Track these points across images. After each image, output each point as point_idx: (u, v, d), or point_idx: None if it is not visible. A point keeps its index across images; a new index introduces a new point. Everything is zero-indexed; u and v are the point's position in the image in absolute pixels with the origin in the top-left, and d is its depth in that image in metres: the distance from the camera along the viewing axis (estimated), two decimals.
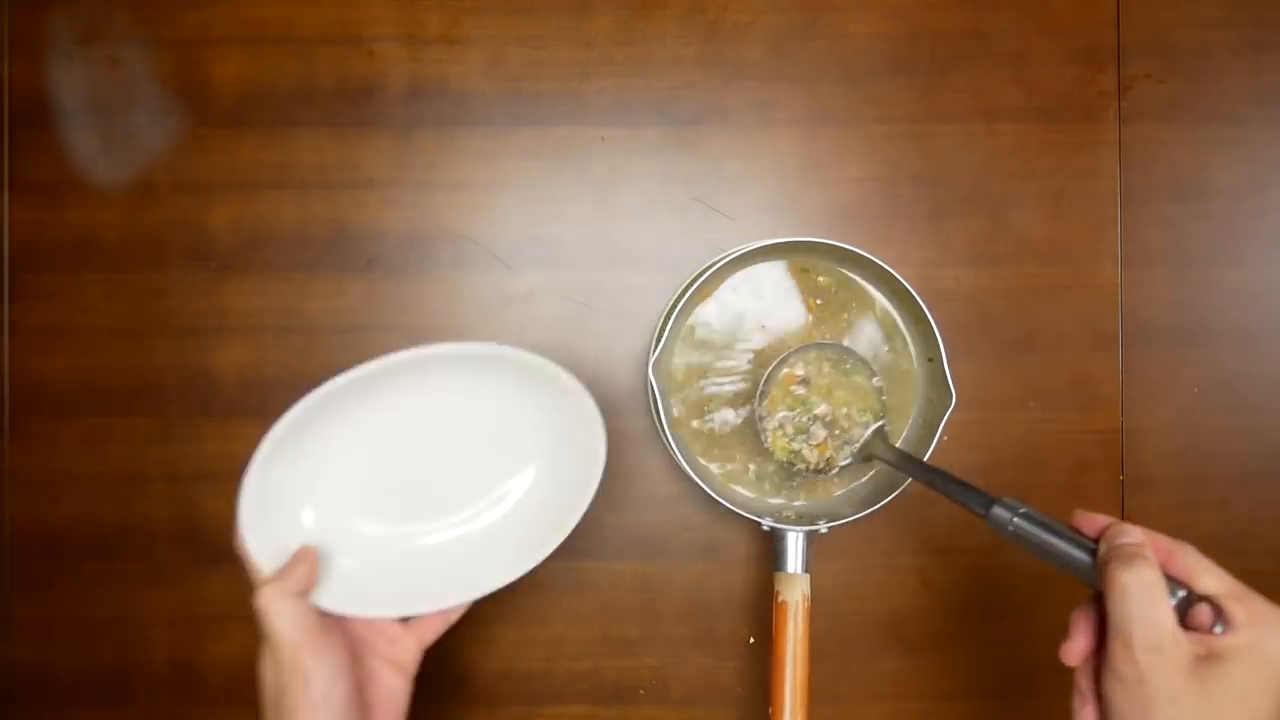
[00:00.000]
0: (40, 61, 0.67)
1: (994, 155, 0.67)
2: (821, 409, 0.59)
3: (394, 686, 0.49)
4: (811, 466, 0.60)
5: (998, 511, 0.46)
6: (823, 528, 0.60)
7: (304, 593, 0.46)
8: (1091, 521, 0.44)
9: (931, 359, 0.61)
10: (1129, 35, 0.68)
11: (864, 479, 0.64)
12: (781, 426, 0.59)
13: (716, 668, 0.67)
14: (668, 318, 0.61)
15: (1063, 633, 0.62)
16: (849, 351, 0.60)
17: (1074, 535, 0.44)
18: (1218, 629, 0.38)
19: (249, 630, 0.68)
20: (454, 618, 0.52)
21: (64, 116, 0.67)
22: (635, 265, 0.67)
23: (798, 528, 0.60)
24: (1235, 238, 0.68)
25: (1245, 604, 0.38)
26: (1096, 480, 0.67)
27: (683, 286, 0.61)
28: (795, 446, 0.60)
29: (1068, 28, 0.68)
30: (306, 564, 0.47)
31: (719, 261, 0.60)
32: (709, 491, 0.59)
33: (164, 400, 0.67)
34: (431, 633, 0.51)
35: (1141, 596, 0.38)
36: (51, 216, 0.67)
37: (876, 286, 0.63)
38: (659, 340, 0.59)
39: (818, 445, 0.59)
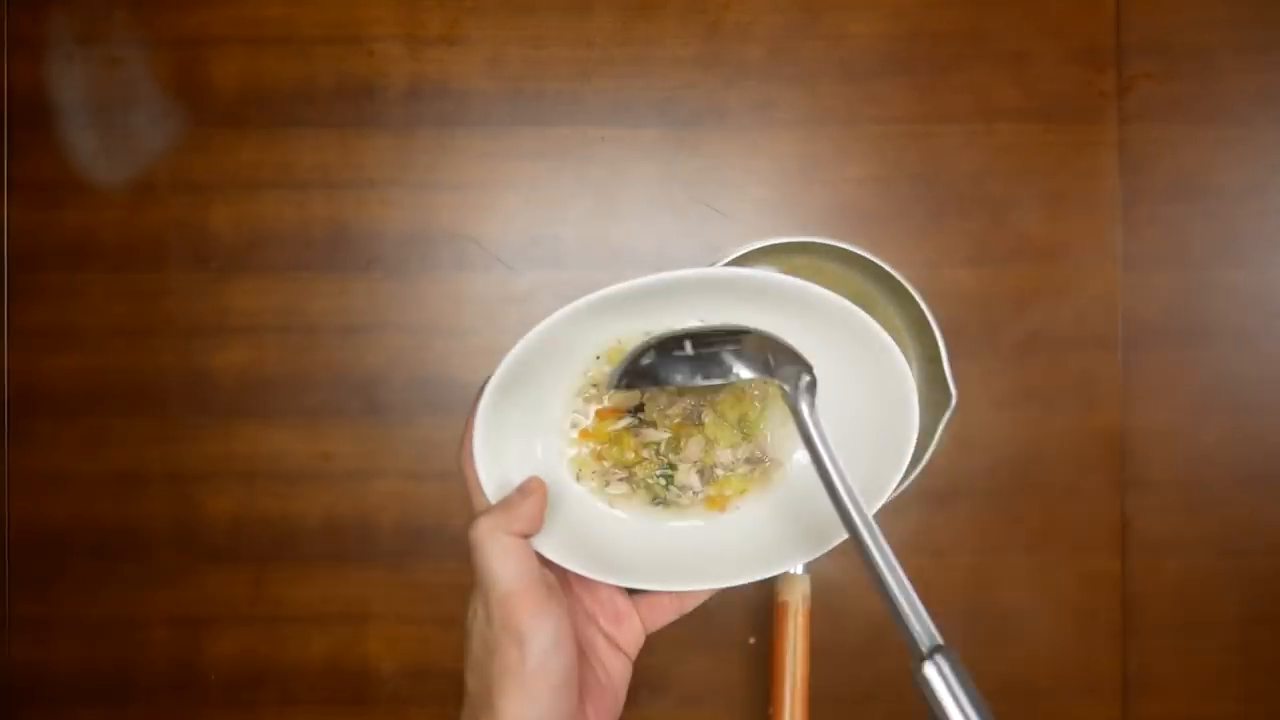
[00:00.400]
0: (40, 61, 0.67)
1: (994, 155, 0.67)
2: (692, 450, 0.44)
3: (614, 669, 0.41)
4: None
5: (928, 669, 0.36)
6: None
7: (527, 534, 0.38)
8: None
9: (931, 359, 0.61)
10: (1129, 35, 0.68)
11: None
12: (645, 486, 0.43)
13: (716, 668, 0.67)
14: None
15: (1063, 633, 0.62)
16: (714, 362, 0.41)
17: None
18: None
19: (249, 630, 0.68)
20: (690, 606, 0.44)
21: (64, 116, 0.67)
22: (635, 265, 0.67)
23: None
24: (1236, 238, 0.68)
25: None
26: (1096, 480, 0.67)
27: None
28: (682, 504, 0.44)
29: (1068, 28, 0.68)
30: (534, 498, 0.38)
31: (719, 262, 0.60)
32: None
33: (164, 400, 0.67)
34: (661, 618, 0.43)
35: None
36: (51, 216, 0.67)
37: (876, 286, 0.63)
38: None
39: (706, 497, 0.44)
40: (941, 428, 0.59)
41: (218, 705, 0.67)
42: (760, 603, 0.67)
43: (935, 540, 0.67)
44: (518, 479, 0.40)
